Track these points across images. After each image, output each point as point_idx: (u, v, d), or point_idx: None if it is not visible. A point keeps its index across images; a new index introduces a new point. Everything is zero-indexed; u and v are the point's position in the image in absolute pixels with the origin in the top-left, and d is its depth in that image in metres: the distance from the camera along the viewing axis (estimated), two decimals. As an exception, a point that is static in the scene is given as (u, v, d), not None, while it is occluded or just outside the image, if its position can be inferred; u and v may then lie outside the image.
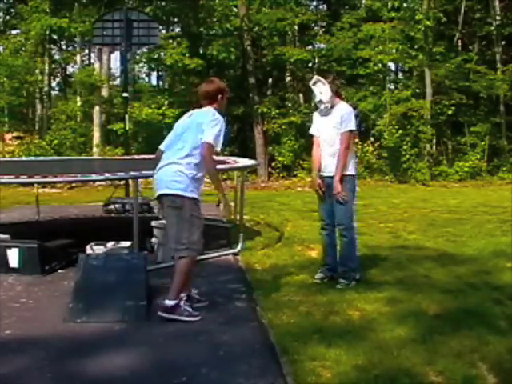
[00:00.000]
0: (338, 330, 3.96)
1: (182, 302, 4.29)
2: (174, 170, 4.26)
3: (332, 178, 5.14)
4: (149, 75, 29.06)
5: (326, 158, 5.22)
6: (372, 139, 18.48)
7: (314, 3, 24.26)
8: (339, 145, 5.10)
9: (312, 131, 5.39)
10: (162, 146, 4.50)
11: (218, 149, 4.29)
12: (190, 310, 4.31)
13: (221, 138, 4.26)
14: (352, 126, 5.13)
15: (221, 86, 4.52)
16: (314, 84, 5.18)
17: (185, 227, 4.24)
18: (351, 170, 5.18)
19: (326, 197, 5.32)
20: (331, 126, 5.15)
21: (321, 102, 5.16)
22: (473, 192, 14.67)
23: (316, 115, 5.39)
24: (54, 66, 24.66)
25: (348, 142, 5.10)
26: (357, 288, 4.97)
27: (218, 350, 3.69)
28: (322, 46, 20.95)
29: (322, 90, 5.13)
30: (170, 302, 4.25)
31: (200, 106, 4.51)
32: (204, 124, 4.25)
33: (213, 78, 4.68)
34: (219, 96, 4.44)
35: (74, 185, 14.47)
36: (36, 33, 18.76)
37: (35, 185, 9.38)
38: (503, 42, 20.26)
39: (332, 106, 5.17)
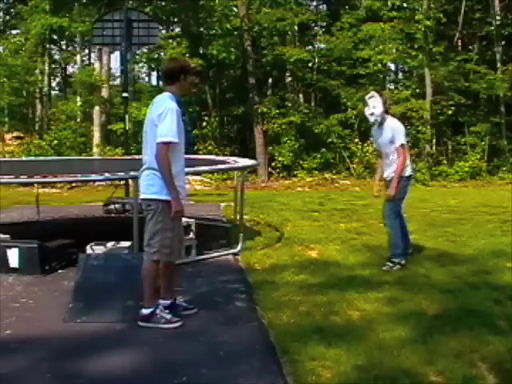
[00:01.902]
0: (338, 330, 3.97)
1: (158, 310, 4.20)
2: (147, 174, 4.21)
3: (389, 181, 5.93)
4: (149, 75, 29.07)
5: (384, 167, 6.07)
6: (372, 139, 18.45)
7: (314, 3, 24.25)
8: (394, 156, 5.85)
9: (375, 146, 6.45)
10: None
11: (176, 140, 4.06)
12: (168, 316, 4.19)
13: (173, 129, 4.01)
14: (403, 140, 5.87)
15: (184, 64, 4.29)
16: (370, 98, 5.87)
17: (158, 230, 4.14)
18: (405, 172, 5.93)
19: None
20: (384, 141, 5.92)
21: (372, 114, 5.84)
22: (473, 192, 14.66)
23: (372, 132, 6.17)
24: (53, 66, 24.67)
25: (404, 155, 5.86)
26: (357, 288, 4.98)
27: (218, 350, 3.69)
28: (322, 46, 20.93)
29: (375, 104, 5.82)
30: (145, 311, 4.19)
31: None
32: (155, 120, 4.06)
33: (178, 57, 4.54)
34: (181, 76, 4.17)
35: (74, 185, 14.45)
36: (36, 32, 18.75)
37: (35, 185, 9.38)
38: (503, 42, 20.24)
39: (382, 122, 5.88)
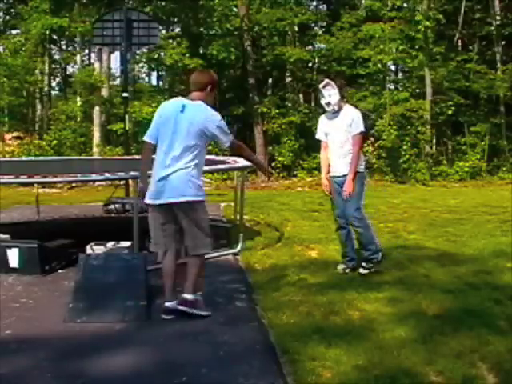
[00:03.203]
0: (338, 330, 3.96)
1: (200, 298, 4.40)
2: (184, 176, 4.25)
3: (343, 177, 5.43)
4: (149, 75, 29.04)
5: (335, 160, 5.52)
6: (372, 139, 18.49)
7: (314, 3, 24.25)
8: (351, 146, 5.41)
9: (319, 136, 5.73)
10: (150, 139, 4.42)
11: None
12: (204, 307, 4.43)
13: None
14: (362, 127, 5.43)
15: (213, 78, 4.56)
16: (324, 87, 5.41)
17: (202, 227, 4.38)
18: (361, 168, 5.50)
19: (336, 197, 5.58)
20: (341, 129, 5.45)
21: (329, 104, 5.41)
22: (473, 192, 14.67)
23: (323, 119, 5.69)
24: (54, 65, 24.65)
25: (361, 144, 5.47)
26: (357, 288, 4.97)
27: (218, 350, 3.70)
28: (322, 46, 20.94)
29: (330, 92, 5.38)
30: (189, 296, 4.32)
31: (186, 94, 4.52)
32: (209, 128, 4.28)
33: (206, 70, 4.91)
34: (209, 87, 4.44)
35: (74, 185, 14.46)
36: (36, 32, 18.74)
37: (35, 185, 9.38)
38: (503, 42, 20.24)
39: (339, 110, 5.45)
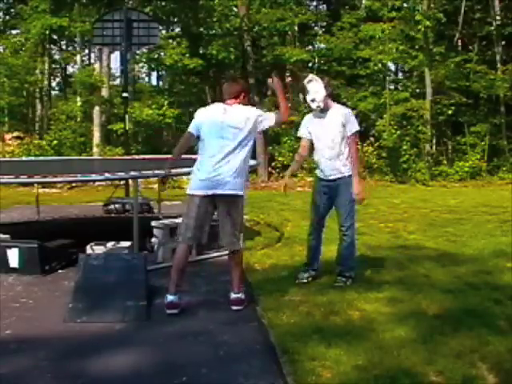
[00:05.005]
0: (338, 330, 3.96)
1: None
2: (234, 169, 4.45)
3: (333, 181, 5.15)
4: (149, 75, 29.07)
5: (325, 162, 5.16)
6: (372, 139, 18.51)
7: (314, 3, 24.29)
8: (347, 147, 5.11)
9: (302, 133, 5.32)
10: (194, 131, 4.63)
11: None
12: None
13: None
14: (357, 126, 5.17)
15: (245, 86, 4.90)
16: (309, 82, 5.11)
17: (239, 221, 4.60)
18: (351, 171, 5.19)
19: (322, 201, 5.27)
20: (333, 129, 5.09)
21: (314, 100, 5.06)
22: (473, 192, 14.66)
23: (309, 118, 5.31)
24: (54, 65, 24.67)
25: (357, 144, 5.30)
26: (357, 288, 4.97)
27: (218, 350, 3.69)
28: (322, 46, 20.94)
29: (316, 88, 5.06)
30: (242, 295, 4.57)
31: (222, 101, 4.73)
32: (252, 115, 4.59)
33: (237, 79, 5.07)
34: (242, 95, 4.69)
35: (74, 185, 14.45)
36: (36, 32, 18.75)
37: (35, 185, 9.39)
38: (503, 42, 20.24)
39: (326, 109, 5.12)
